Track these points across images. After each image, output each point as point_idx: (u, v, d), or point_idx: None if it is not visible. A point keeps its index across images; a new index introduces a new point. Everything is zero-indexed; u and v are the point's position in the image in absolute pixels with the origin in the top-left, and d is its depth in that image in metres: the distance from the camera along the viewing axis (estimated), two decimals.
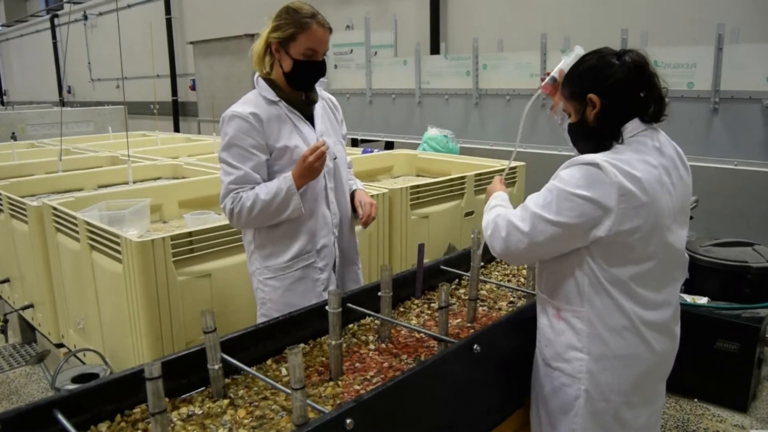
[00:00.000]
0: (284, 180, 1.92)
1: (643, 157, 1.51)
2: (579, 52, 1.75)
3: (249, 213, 1.92)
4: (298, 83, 2.03)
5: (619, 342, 1.56)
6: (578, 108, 1.60)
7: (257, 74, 2.07)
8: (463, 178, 3.52)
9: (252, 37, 8.05)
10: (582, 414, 1.62)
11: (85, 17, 13.84)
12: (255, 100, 2.02)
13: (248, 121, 1.95)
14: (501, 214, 1.64)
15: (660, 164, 1.54)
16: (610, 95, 1.54)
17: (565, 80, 1.65)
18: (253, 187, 1.95)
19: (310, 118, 2.08)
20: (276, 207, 1.92)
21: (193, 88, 10.28)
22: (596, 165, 1.47)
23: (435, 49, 6.71)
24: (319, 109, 2.12)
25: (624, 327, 1.56)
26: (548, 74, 1.85)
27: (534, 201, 1.56)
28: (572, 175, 1.50)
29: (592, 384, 1.60)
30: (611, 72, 1.53)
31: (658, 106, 1.57)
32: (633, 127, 1.55)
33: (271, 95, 2.02)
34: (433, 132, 4.84)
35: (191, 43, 9.29)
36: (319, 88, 2.16)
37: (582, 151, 1.61)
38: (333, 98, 2.26)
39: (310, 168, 1.90)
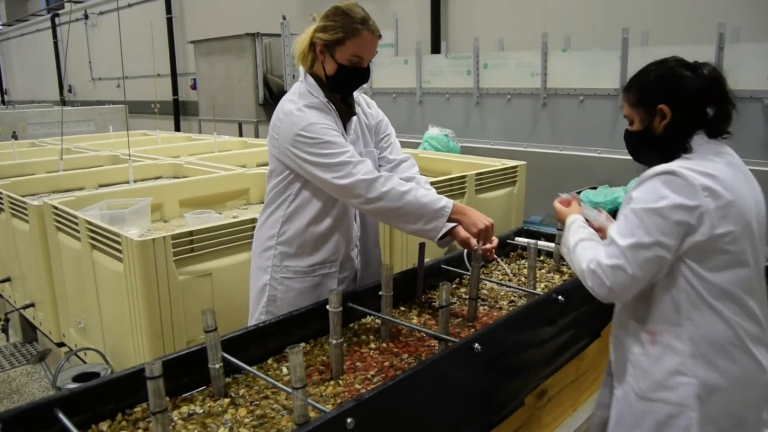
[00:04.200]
0: (446, 198, 1.87)
1: (716, 160, 1.48)
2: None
3: (399, 198, 1.80)
4: (339, 88, 1.96)
5: (727, 359, 1.46)
6: (645, 117, 1.57)
7: (303, 70, 2.00)
8: (464, 177, 3.51)
9: (253, 36, 8.06)
10: None
11: (86, 16, 13.85)
12: (310, 97, 1.95)
13: (322, 109, 1.91)
14: (592, 260, 1.52)
15: (735, 166, 1.51)
16: (682, 107, 1.52)
17: (632, 87, 1.61)
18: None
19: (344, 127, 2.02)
20: (420, 212, 1.82)
21: (193, 87, 10.27)
22: (671, 173, 1.44)
23: (436, 49, 6.71)
24: (353, 119, 2.05)
25: (730, 342, 1.46)
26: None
27: (620, 232, 1.48)
28: (650, 189, 1.46)
29: (703, 409, 1.46)
30: (685, 84, 1.51)
31: (725, 123, 1.55)
32: (699, 139, 1.52)
33: (322, 96, 1.95)
34: (433, 131, 4.84)
35: (192, 42, 9.28)
36: (357, 93, 2.09)
37: (642, 161, 1.61)
38: (367, 100, 2.18)
39: (472, 225, 1.85)
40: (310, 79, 1.97)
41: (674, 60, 1.57)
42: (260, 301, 2.07)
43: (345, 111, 2.01)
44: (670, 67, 1.55)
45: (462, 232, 1.88)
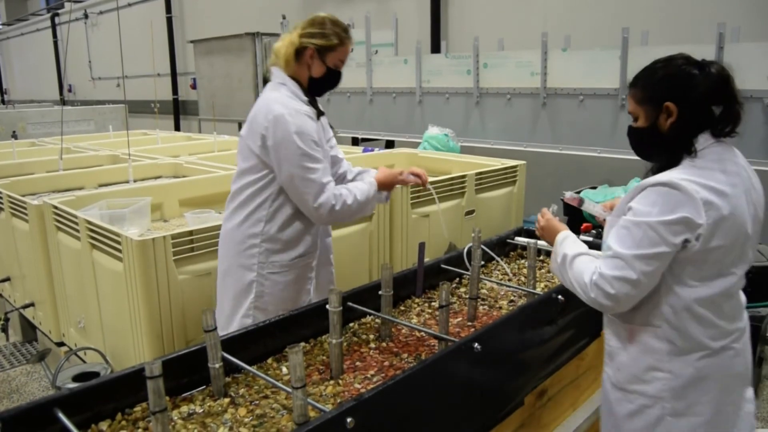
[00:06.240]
0: (371, 185, 2.13)
1: (718, 166, 1.46)
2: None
3: (349, 211, 2.07)
4: (320, 90, 2.15)
5: (703, 355, 1.50)
6: (650, 114, 1.53)
7: (283, 73, 2.09)
8: (463, 176, 3.51)
9: (253, 36, 8.04)
10: None
11: (86, 16, 13.84)
12: (298, 102, 2.06)
13: (313, 118, 2.05)
14: (594, 272, 1.51)
15: (739, 174, 1.49)
16: (690, 106, 1.48)
17: (639, 83, 1.56)
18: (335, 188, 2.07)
19: None
20: (366, 208, 2.13)
21: (193, 86, 10.25)
22: (673, 185, 1.42)
23: (435, 48, 6.71)
24: (321, 120, 2.20)
25: (710, 337, 1.49)
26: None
27: (621, 243, 1.47)
28: (651, 202, 1.44)
29: (678, 402, 1.52)
30: (694, 82, 1.47)
31: (733, 122, 1.51)
32: (704, 140, 1.49)
33: (304, 100, 2.09)
34: (433, 131, 4.83)
35: (192, 41, 9.27)
36: None
37: (646, 157, 1.59)
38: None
39: (395, 182, 2.19)
40: (293, 83, 2.08)
41: (682, 57, 1.53)
42: (246, 298, 2.12)
43: (316, 113, 2.14)
44: (679, 65, 1.51)
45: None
